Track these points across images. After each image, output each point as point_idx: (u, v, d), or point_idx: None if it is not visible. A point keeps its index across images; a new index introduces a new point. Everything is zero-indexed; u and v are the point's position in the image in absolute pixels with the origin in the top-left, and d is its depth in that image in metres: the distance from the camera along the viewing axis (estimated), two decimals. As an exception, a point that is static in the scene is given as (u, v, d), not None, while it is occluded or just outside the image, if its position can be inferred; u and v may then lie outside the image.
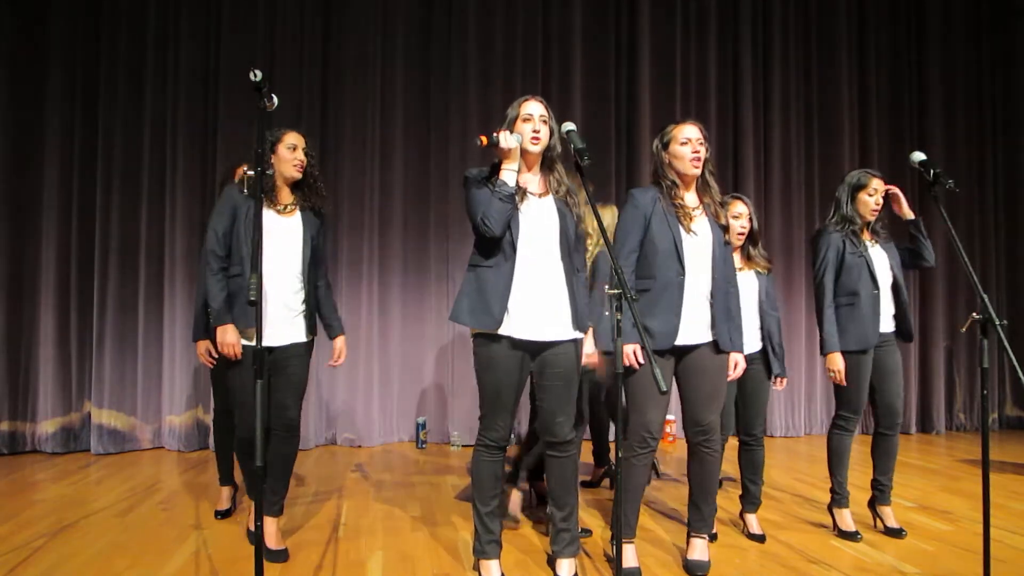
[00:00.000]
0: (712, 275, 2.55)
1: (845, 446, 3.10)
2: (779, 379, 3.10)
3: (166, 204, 5.10)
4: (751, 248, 3.10)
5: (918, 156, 2.71)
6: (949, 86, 6.34)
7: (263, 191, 2.33)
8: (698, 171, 2.57)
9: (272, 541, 2.73)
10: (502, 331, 2.36)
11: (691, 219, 2.55)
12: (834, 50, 6.13)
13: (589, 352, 2.56)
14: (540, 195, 2.46)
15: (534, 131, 2.40)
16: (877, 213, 3.08)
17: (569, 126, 2.37)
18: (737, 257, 3.06)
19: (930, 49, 6.32)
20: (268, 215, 2.67)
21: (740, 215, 3.02)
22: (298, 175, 2.74)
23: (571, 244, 2.45)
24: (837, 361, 3.02)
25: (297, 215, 2.76)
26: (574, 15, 5.70)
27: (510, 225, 2.35)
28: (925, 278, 6.12)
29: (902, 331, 3.14)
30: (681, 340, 2.51)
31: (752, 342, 3.03)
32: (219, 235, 2.63)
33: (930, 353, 6.16)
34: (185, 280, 5.07)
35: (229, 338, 2.58)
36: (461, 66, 5.52)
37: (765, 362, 3.07)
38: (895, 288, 3.11)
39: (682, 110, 5.86)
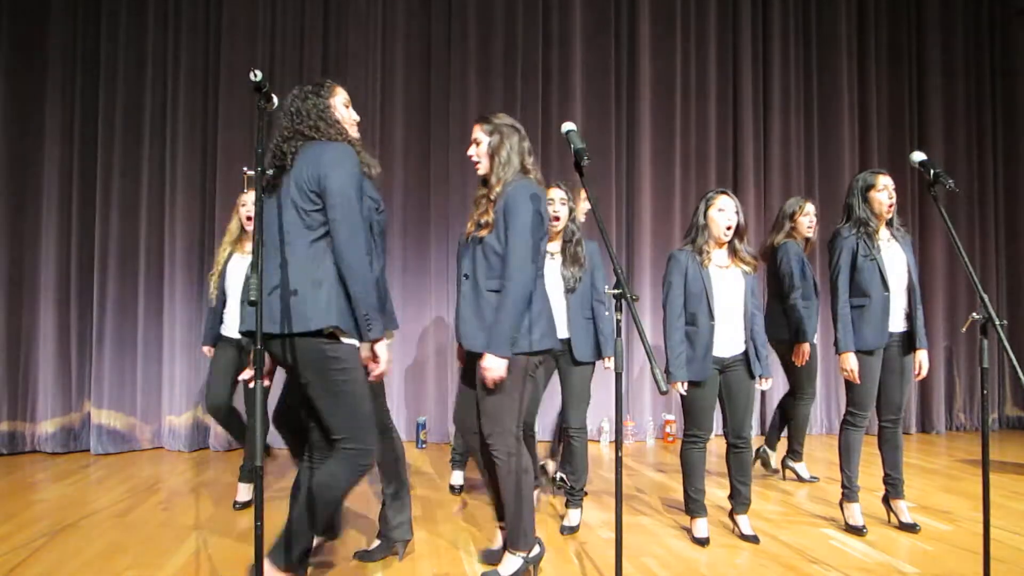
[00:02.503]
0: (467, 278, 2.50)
1: (854, 442, 3.17)
2: (763, 379, 3.01)
3: (166, 204, 5.10)
4: (736, 242, 2.99)
5: (918, 156, 2.71)
6: (949, 86, 6.34)
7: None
8: (479, 172, 2.53)
9: None
10: None
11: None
12: (834, 50, 6.13)
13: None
14: None
15: None
16: (892, 208, 3.13)
17: (568, 126, 2.36)
18: (724, 254, 3.00)
19: (930, 49, 6.32)
20: None
21: (724, 209, 2.94)
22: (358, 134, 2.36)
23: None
24: (850, 361, 3.09)
25: None
26: (574, 16, 5.70)
27: None
28: (925, 278, 6.12)
29: (910, 335, 3.15)
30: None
31: (737, 344, 2.98)
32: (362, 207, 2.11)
33: (930, 353, 6.14)
34: (185, 280, 5.07)
35: (387, 353, 2.20)
36: (461, 67, 5.53)
37: (748, 364, 2.99)
38: (909, 289, 3.14)
39: (682, 110, 5.87)
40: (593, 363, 3.23)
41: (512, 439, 2.40)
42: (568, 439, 3.22)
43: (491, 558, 2.66)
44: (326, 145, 2.15)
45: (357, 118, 2.36)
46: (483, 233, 2.42)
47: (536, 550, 2.53)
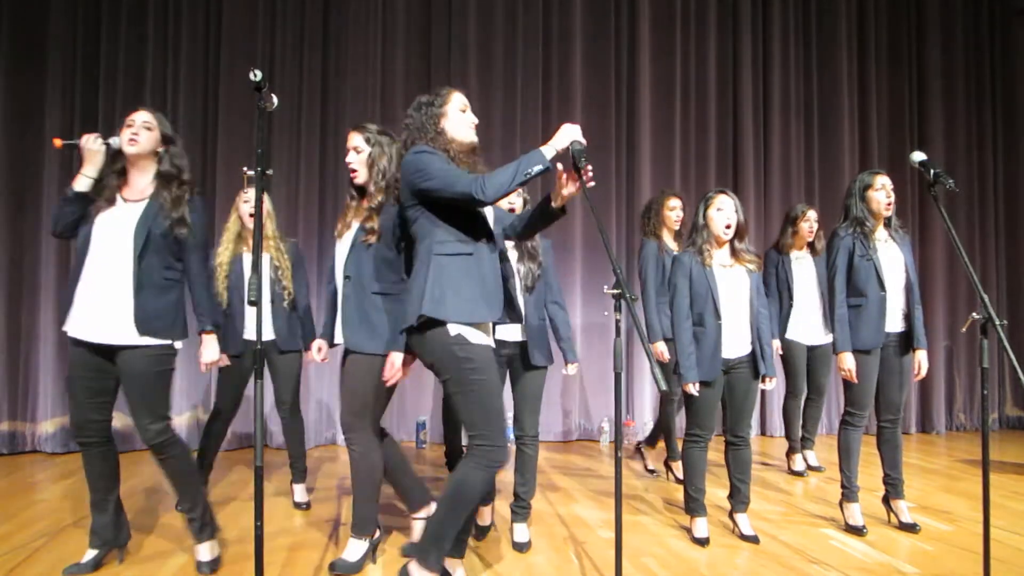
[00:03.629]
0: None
1: (853, 442, 3.18)
2: (767, 378, 3.00)
3: (166, 204, 5.09)
4: (736, 242, 2.98)
5: (918, 156, 2.72)
6: (949, 86, 6.34)
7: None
8: (356, 181, 2.64)
9: None
10: (64, 328, 2.47)
11: None
12: (834, 50, 6.13)
13: (207, 360, 2.66)
14: (135, 200, 2.47)
15: (132, 134, 2.44)
16: (891, 207, 3.14)
17: None
18: (726, 253, 3.00)
19: (930, 49, 6.32)
20: None
21: (723, 208, 2.94)
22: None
23: (140, 251, 2.40)
24: (847, 360, 3.11)
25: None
26: (574, 16, 5.70)
27: (82, 230, 2.44)
28: (925, 278, 6.12)
29: (908, 336, 3.15)
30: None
31: (743, 344, 2.97)
32: None
33: (930, 353, 6.14)
34: (185, 280, 5.07)
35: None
36: (461, 67, 5.53)
37: (752, 364, 2.99)
38: (907, 289, 3.14)
39: (682, 110, 5.87)
40: (546, 368, 3.02)
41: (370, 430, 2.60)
42: (521, 447, 2.99)
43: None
44: (405, 159, 2.24)
45: (475, 120, 2.35)
46: (371, 239, 2.50)
47: (377, 534, 2.74)
